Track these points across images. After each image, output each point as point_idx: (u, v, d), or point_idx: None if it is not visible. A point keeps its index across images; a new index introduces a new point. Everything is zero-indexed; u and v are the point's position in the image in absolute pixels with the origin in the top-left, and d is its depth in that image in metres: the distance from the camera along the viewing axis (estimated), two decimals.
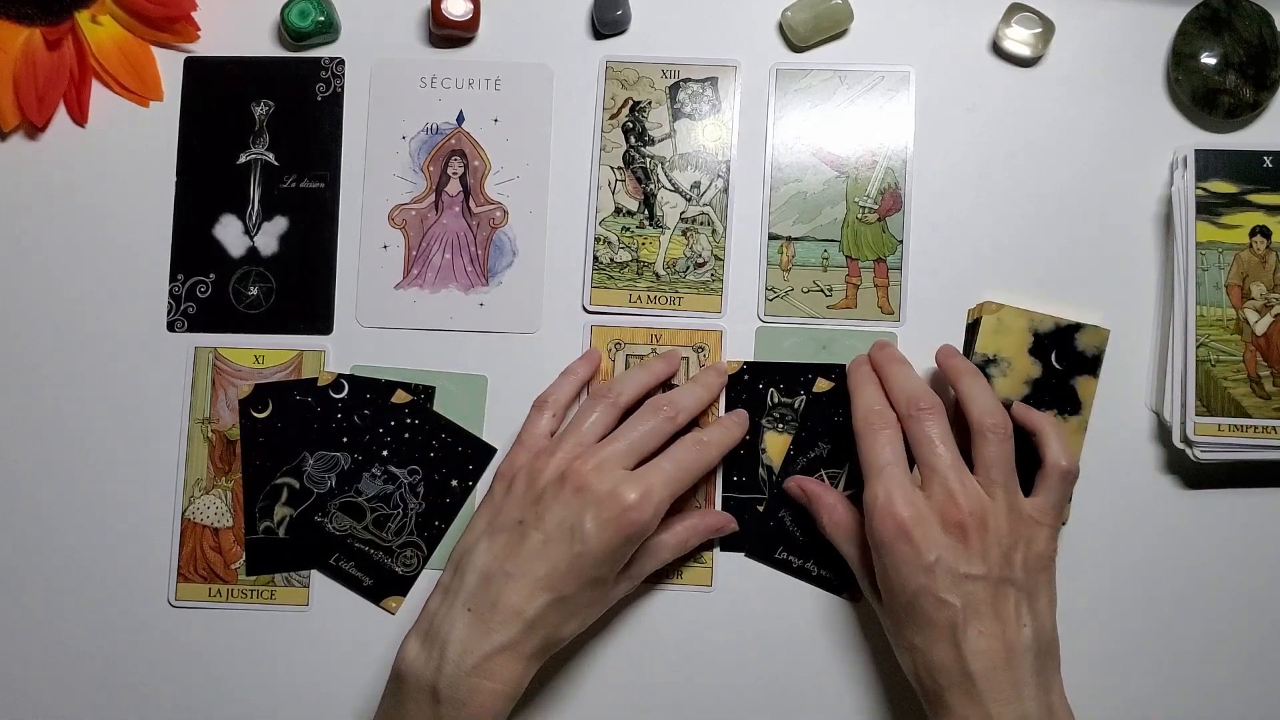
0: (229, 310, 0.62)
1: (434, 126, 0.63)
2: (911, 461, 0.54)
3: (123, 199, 0.63)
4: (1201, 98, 0.60)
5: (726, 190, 0.62)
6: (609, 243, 0.62)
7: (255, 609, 0.61)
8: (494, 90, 0.63)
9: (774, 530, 0.60)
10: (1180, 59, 0.61)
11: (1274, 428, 0.57)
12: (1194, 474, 0.60)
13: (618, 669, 0.60)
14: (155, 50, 0.64)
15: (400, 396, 0.62)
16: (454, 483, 0.61)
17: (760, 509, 0.60)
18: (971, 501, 0.51)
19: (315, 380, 0.62)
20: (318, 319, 0.62)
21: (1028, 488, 0.55)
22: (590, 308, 0.62)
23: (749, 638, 0.60)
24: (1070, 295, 0.61)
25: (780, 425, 0.61)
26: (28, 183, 0.63)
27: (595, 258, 0.62)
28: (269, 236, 0.63)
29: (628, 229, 0.62)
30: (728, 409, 0.61)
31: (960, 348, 0.60)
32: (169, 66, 0.64)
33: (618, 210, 0.62)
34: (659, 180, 0.62)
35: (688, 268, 0.62)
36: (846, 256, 0.61)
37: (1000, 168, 0.62)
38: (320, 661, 0.61)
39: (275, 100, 0.63)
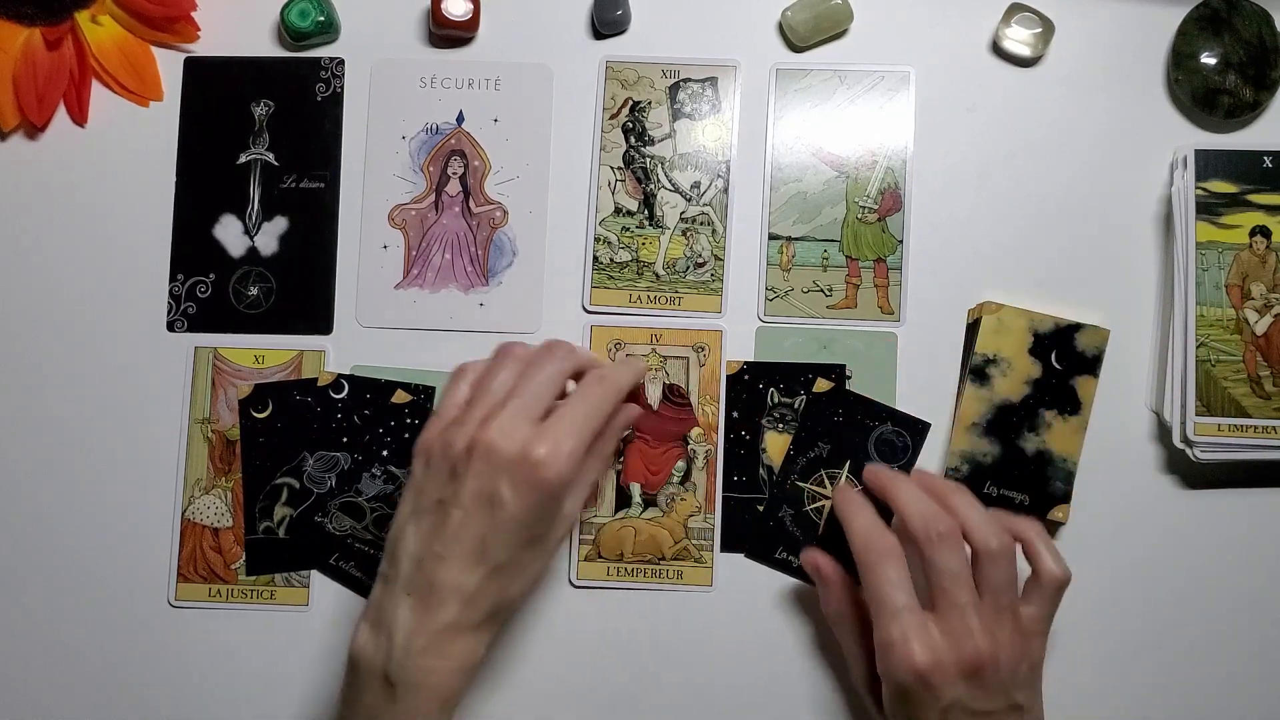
0: (229, 310, 0.62)
1: (434, 126, 0.63)
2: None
3: (123, 199, 0.63)
4: (1201, 98, 0.60)
5: (726, 190, 0.62)
6: (609, 243, 0.62)
7: (255, 609, 0.61)
8: (494, 90, 0.63)
9: (774, 530, 0.60)
10: (1180, 59, 0.61)
11: (1274, 428, 0.57)
12: (1194, 474, 0.60)
13: (618, 669, 0.60)
14: (155, 50, 0.64)
15: (400, 396, 0.62)
16: None
17: (760, 509, 0.60)
18: (987, 642, 0.51)
19: (315, 380, 0.62)
20: (318, 319, 0.62)
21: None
22: (590, 308, 0.62)
23: (749, 638, 0.60)
24: (1070, 295, 0.61)
25: (780, 425, 0.61)
26: (28, 183, 0.63)
27: (595, 258, 0.62)
28: (269, 236, 0.63)
29: (628, 229, 0.62)
30: (728, 409, 0.61)
31: (960, 348, 0.60)
32: (169, 66, 0.64)
33: (618, 210, 0.62)
34: (659, 180, 0.62)
35: (688, 268, 0.62)
36: (846, 256, 0.61)
37: (1000, 168, 0.62)
38: (320, 661, 0.61)
39: (275, 100, 0.63)
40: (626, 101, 0.63)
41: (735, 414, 0.61)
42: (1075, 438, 0.59)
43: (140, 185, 0.63)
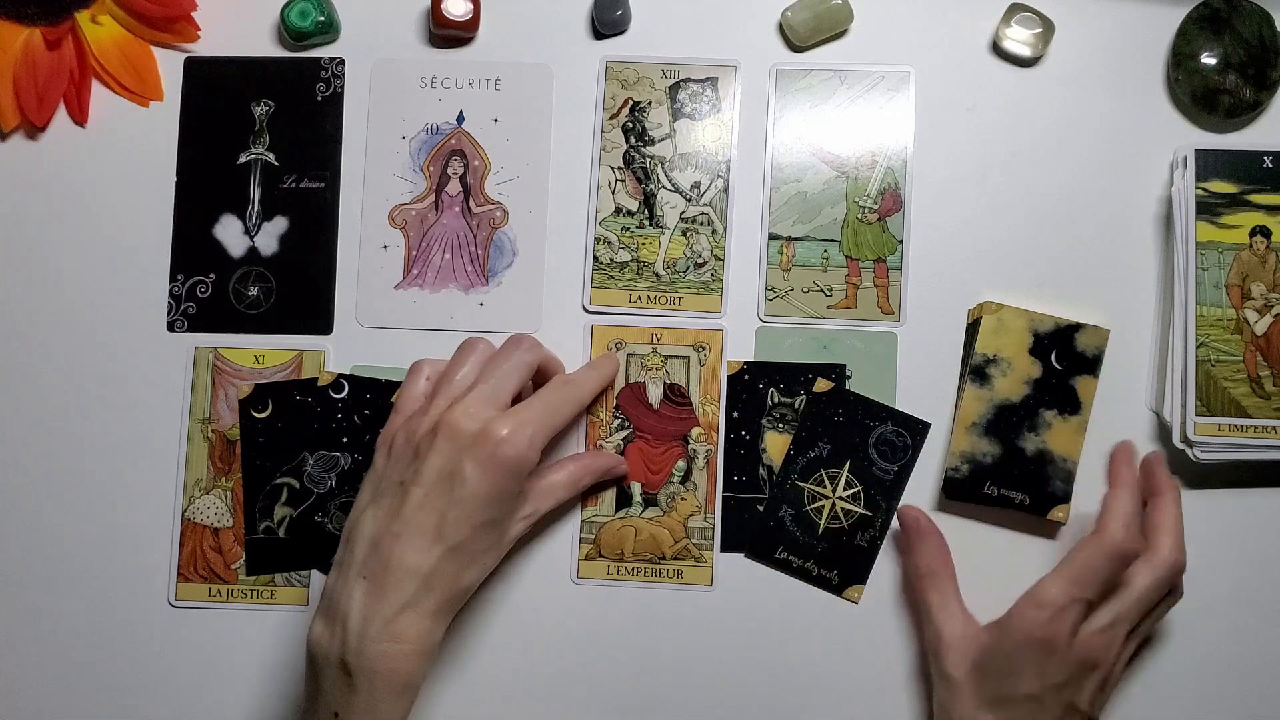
0: (229, 310, 0.62)
1: (434, 126, 0.63)
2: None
3: (123, 199, 0.63)
4: (1201, 98, 0.60)
5: (726, 190, 0.62)
6: (609, 243, 0.62)
7: (255, 609, 0.61)
8: (494, 90, 0.63)
9: (774, 530, 0.60)
10: (1180, 59, 0.61)
11: (1274, 428, 0.57)
12: (1194, 474, 0.60)
13: (618, 667, 0.60)
14: (155, 50, 0.64)
15: None
16: None
17: (760, 509, 0.61)
18: (1107, 653, 0.55)
19: (315, 380, 0.62)
20: (318, 319, 0.62)
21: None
22: (590, 308, 0.62)
23: (749, 638, 0.60)
24: (1070, 295, 0.61)
25: (780, 425, 0.61)
26: (28, 183, 0.63)
27: (595, 258, 0.62)
28: (269, 236, 0.63)
29: (628, 229, 0.62)
30: (728, 409, 0.61)
31: (960, 348, 0.60)
32: (169, 66, 0.64)
33: (618, 210, 0.62)
34: (659, 180, 0.62)
35: (688, 268, 0.62)
36: (846, 256, 0.61)
37: (1000, 168, 0.62)
38: None
39: (275, 100, 0.63)
40: (626, 101, 0.63)
41: (735, 414, 0.61)
42: (1075, 438, 0.59)
43: (140, 185, 0.63)
